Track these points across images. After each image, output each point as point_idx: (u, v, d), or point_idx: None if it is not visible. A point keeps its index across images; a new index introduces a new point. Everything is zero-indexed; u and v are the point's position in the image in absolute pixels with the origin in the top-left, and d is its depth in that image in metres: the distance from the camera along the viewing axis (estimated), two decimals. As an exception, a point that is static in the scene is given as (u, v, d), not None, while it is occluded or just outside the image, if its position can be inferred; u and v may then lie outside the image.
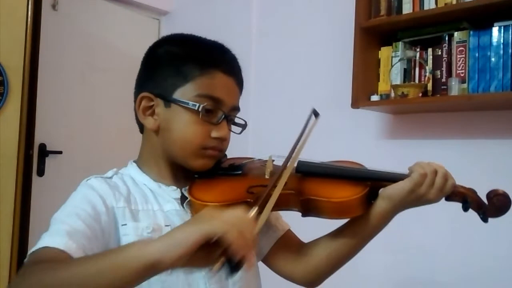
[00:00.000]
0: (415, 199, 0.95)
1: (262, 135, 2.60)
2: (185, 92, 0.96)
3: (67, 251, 0.78)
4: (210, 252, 0.65)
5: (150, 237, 0.68)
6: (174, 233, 0.65)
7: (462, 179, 0.99)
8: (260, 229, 0.75)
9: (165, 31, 2.85)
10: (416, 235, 2.17)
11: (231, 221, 0.65)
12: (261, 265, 1.11)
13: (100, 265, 0.66)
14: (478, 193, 0.99)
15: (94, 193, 0.92)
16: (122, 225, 0.92)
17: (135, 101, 1.01)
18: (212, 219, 0.65)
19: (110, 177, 1.00)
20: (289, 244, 1.11)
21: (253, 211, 0.74)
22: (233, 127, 1.05)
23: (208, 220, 0.65)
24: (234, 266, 0.65)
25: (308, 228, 1.16)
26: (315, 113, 0.98)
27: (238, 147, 1.10)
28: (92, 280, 0.65)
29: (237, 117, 1.05)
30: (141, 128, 1.05)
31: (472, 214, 0.99)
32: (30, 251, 0.80)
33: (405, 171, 0.98)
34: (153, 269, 0.64)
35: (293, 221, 1.13)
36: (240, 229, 0.64)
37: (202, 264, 0.67)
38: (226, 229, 0.63)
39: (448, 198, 0.98)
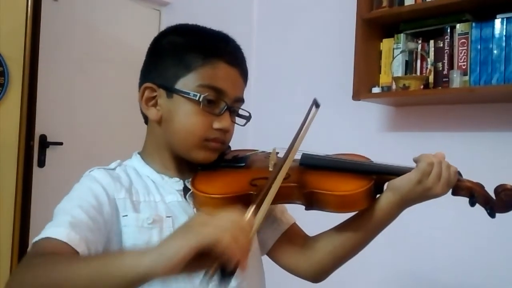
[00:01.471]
0: (422, 191, 0.93)
1: (262, 127, 2.59)
2: (187, 82, 0.95)
3: (69, 243, 0.78)
4: (204, 259, 0.62)
5: (147, 245, 0.67)
6: (167, 244, 0.63)
7: (464, 172, 0.99)
8: (261, 225, 0.74)
9: (166, 22, 2.83)
10: (420, 230, 2.17)
11: (224, 226, 0.62)
12: (265, 259, 1.10)
13: (96, 270, 0.65)
14: (485, 188, 0.97)
15: (97, 185, 0.92)
16: (123, 216, 0.92)
17: (139, 92, 1.01)
18: (204, 226, 0.62)
19: (113, 169, 0.99)
20: (294, 238, 1.10)
21: (250, 211, 0.72)
22: (237, 119, 1.04)
23: (200, 229, 0.62)
24: (228, 273, 0.63)
25: (314, 222, 1.15)
26: (316, 104, 0.98)
27: (238, 139, 1.10)
28: (86, 284, 0.65)
29: (241, 109, 1.03)
30: (146, 119, 1.04)
31: (477, 209, 0.98)
32: (33, 240, 0.81)
33: (406, 163, 0.97)
34: (145, 279, 0.63)
35: (298, 214, 1.13)
36: (234, 234, 0.62)
37: (197, 271, 0.64)
38: (218, 236, 0.61)
39: (454, 193, 0.96)
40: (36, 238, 0.80)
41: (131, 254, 0.65)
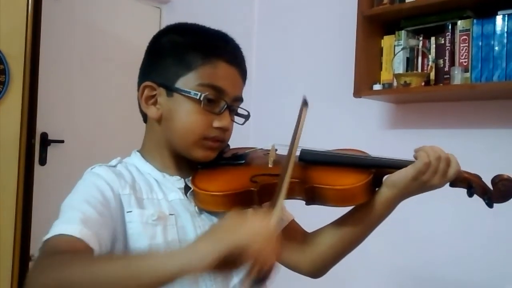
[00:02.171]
0: (419, 185, 0.94)
1: (263, 124, 2.59)
2: (187, 81, 0.95)
3: (83, 239, 0.78)
4: (232, 262, 0.64)
5: (171, 248, 0.68)
6: (197, 246, 0.64)
7: (465, 169, 0.99)
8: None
9: (167, 20, 2.83)
10: (419, 226, 2.18)
11: (255, 231, 0.64)
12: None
13: (123, 270, 0.67)
14: (482, 179, 0.98)
15: (102, 181, 0.92)
16: (128, 212, 0.92)
17: (138, 90, 1.01)
18: (236, 231, 0.64)
19: (114, 166, 1.00)
20: (293, 234, 1.10)
21: (272, 216, 0.71)
22: (236, 118, 1.04)
23: (232, 232, 0.64)
24: (261, 278, 0.65)
25: (312, 217, 1.16)
26: (305, 102, 0.98)
27: (239, 137, 1.10)
28: (111, 284, 0.66)
29: (240, 108, 1.04)
30: (145, 117, 1.04)
31: (477, 206, 0.99)
32: (44, 237, 0.80)
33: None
34: (173, 279, 0.64)
35: (296, 211, 1.13)
36: (265, 239, 0.64)
37: (226, 272, 0.66)
38: (251, 242, 0.62)
39: (452, 184, 0.98)
40: (48, 236, 0.80)
41: (162, 255, 0.67)
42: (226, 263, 0.63)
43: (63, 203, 0.88)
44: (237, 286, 0.97)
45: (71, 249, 0.77)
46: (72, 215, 0.82)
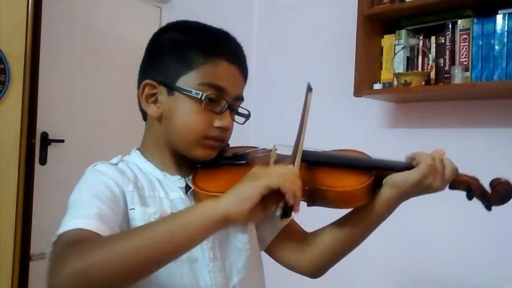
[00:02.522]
0: (420, 188, 0.94)
1: (263, 124, 2.59)
2: (188, 80, 0.95)
3: (102, 234, 0.78)
4: (266, 202, 0.76)
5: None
6: (238, 190, 0.74)
7: (465, 168, 0.99)
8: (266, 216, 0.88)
9: (167, 19, 2.83)
10: (418, 224, 2.17)
11: (283, 173, 0.76)
12: (263, 255, 1.11)
13: (170, 228, 0.72)
14: (481, 182, 0.99)
15: (106, 177, 0.92)
16: (130, 209, 0.91)
17: (138, 88, 1.00)
18: (267, 174, 0.76)
19: (116, 164, 0.99)
20: (293, 234, 1.10)
21: (296, 164, 0.85)
22: (237, 117, 1.04)
23: (265, 175, 0.76)
24: (289, 209, 0.77)
25: (312, 218, 1.15)
26: (309, 87, 0.98)
27: (239, 136, 1.10)
28: (160, 243, 0.71)
29: (241, 107, 1.04)
30: (144, 115, 1.04)
31: (476, 207, 0.99)
32: (57, 232, 0.79)
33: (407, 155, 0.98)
34: (221, 224, 0.73)
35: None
36: (292, 179, 0.76)
37: (260, 215, 0.77)
38: (282, 180, 0.75)
39: (452, 187, 0.98)
40: (63, 230, 0.79)
41: (206, 203, 0.75)
42: (261, 204, 0.75)
43: (70, 198, 0.88)
44: (237, 285, 0.97)
45: (93, 240, 0.76)
46: (87, 211, 0.81)
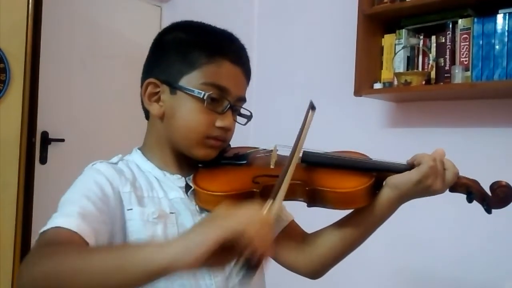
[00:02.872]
0: (421, 190, 0.94)
1: (263, 124, 2.59)
2: (191, 80, 0.95)
3: (80, 233, 0.78)
4: (226, 253, 0.62)
5: (164, 238, 0.68)
6: (190, 235, 0.62)
7: (465, 168, 0.99)
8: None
9: (167, 18, 2.83)
10: (418, 224, 2.17)
11: (248, 219, 0.62)
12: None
13: (114, 261, 0.64)
14: (481, 184, 0.99)
15: (102, 176, 0.92)
16: (128, 209, 0.92)
17: (141, 87, 1.01)
18: (228, 218, 0.62)
19: (116, 163, 0.99)
20: (293, 235, 1.10)
21: (268, 206, 0.72)
22: (239, 118, 1.04)
23: (225, 220, 0.62)
24: (253, 265, 0.63)
25: (312, 218, 1.16)
26: (312, 107, 0.97)
27: (239, 136, 1.10)
28: (102, 276, 0.64)
29: (243, 108, 1.04)
30: (147, 114, 1.04)
31: (476, 206, 0.99)
32: (41, 230, 0.80)
33: (407, 160, 0.98)
34: (166, 272, 0.61)
35: (296, 211, 1.13)
36: (258, 227, 0.62)
37: (218, 266, 0.64)
38: (243, 228, 0.61)
39: (452, 189, 0.98)
40: (44, 228, 0.79)
41: (152, 246, 0.63)
42: (220, 254, 0.61)
43: (62, 197, 0.88)
44: (236, 285, 0.97)
45: (66, 242, 0.76)
46: (70, 209, 0.82)
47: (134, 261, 0.62)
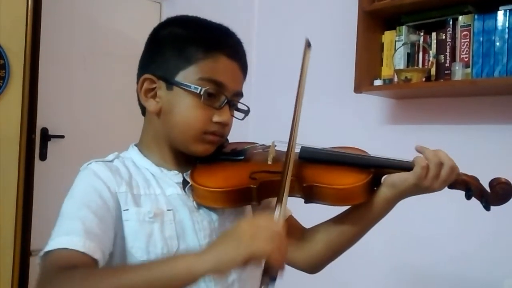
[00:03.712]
0: (418, 189, 0.94)
1: (262, 120, 2.59)
2: (188, 75, 0.95)
3: (88, 253, 0.78)
4: (247, 263, 0.70)
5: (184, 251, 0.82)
6: (221, 248, 0.70)
7: (465, 165, 0.99)
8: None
9: (167, 15, 2.81)
10: (418, 221, 2.18)
11: (270, 237, 0.70)
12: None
13: (146, 279, 0.71)
14: (480, 181, 0.98)
15: (98, 180, 0.91)
16: (124, 210, 0.91)
17: (137, 83, 1.00)
18: (254, 239, 0.69)
19: (111, 161, 0.99)
20: (291, 230, 1.09)
21: (278, 213, 0.79)
22: (236, 113, 1.03)
23: (251, 242, 0.69)
24: (273, 278, 0.73)
25: (311, 214, 1.15)
26: (308, 44, 0.97)
27: (238, 132, 1.09)
28: None
29: (240, 103, 1.03)
30: (143, 110, 1.03)
31: (476, 203, 0.99)
32: (44, 250, 0.80)
33: (407, 156, 0.97)
34: (197, 279, 0.71)
35: (294, 207, 1.13)
36: (278, 246, 0.70)
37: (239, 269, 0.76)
38: (268, 250, 0.69)
39: (451, 186, 0.97)
40: (49, 248, 0.79)
41: (187, 259, 0.71)
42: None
43: (62, 207, 0.88)
44: (235, 281, 0.97)
45: (77, 265, 0.76)
46: (73, 226, 0.81)
47: (177, 273, 0.70)
